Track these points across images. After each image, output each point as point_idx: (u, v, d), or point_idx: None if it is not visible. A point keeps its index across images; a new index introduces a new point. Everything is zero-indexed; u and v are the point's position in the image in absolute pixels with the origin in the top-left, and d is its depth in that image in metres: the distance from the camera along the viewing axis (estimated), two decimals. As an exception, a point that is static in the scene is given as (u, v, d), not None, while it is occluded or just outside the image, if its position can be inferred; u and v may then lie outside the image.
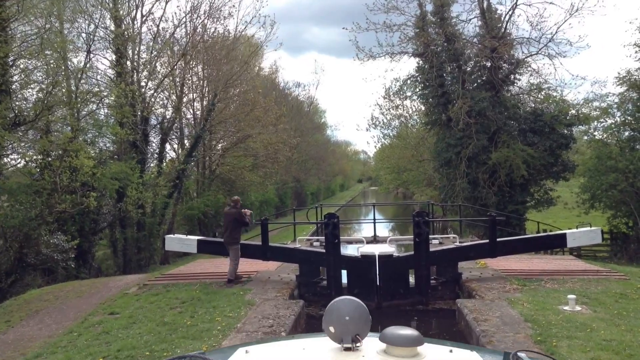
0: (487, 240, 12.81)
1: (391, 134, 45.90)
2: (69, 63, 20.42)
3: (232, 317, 9.87)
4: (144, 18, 29.14)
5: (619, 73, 27.17)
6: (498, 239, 12.88)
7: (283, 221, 36.13)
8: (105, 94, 22.21)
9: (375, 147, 49.86)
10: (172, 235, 14.59)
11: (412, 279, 12.65)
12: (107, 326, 10.02)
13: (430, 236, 12.97)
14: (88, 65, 23.18)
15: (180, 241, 14.22)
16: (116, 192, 25.70)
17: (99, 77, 25.60)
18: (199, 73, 35.32)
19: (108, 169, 22.44)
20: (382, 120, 42.59)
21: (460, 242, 13.55)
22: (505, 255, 13.23)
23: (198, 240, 14.18)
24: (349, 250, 15.33)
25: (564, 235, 13.13)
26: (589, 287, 11.52)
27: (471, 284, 12.12)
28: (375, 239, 17.22)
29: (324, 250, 12.91)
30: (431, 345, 2.33)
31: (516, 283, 11.95)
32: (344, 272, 12.70)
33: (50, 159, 19.31)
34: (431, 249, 12.68)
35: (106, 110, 26.11)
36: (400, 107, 40.34)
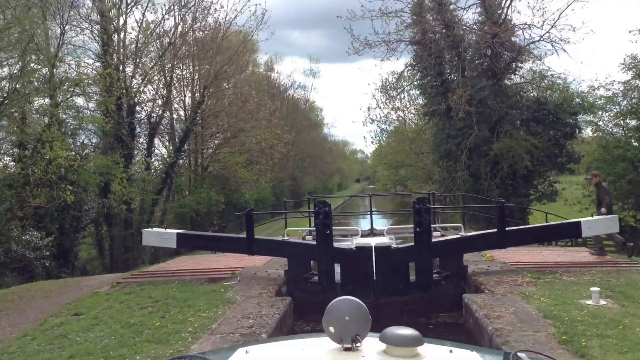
0: (495, 230, 11.55)
1: (388, 129, 44.62)
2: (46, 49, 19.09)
3: (207, 317, 8.63)
4: (130, 8, 27.93)
5: (624, 59, 25.98)
6: (507, 229, 11.64)
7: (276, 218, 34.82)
8: (87, 81, 20.91)
9: (372, 142, 48.32)
10: (149, 229, 13.32)
11: (412, 273, 11.40)
12: (67, 329, 8.79)
13: (432, 225, 11.71)
14: (66, 52, 21.98)
15: (158, 235, 12.95)
16: (100, 188, 24.46)
17: (81, 67, 24.33)
18: (189, 66, 34.10)
19: (88, 163, 21.15)
20: (379, 114, 41.26)
21: (464, 233, 12.29)
22: (515, 245, 12.03)
23: (178, 234, 12.92)
24: (343, 242, 14.08)
25: (579, 223, 11.91)
26: (611, 280, 10.30)
27: (478, 278, 10.89)
28: (372, 232, 15.98)
29: (314, 243, 11.68)
30: (431, 346, 2.28)
31: (529, 276, 10.73)
32: (337, 267, 11.45)
33: (27, 151, 18.12)
34: (433, 240, 11.46)
35: (90, 105, 24.94)
36: (397, 99, 38.98)
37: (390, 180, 48.98)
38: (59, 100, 18.22)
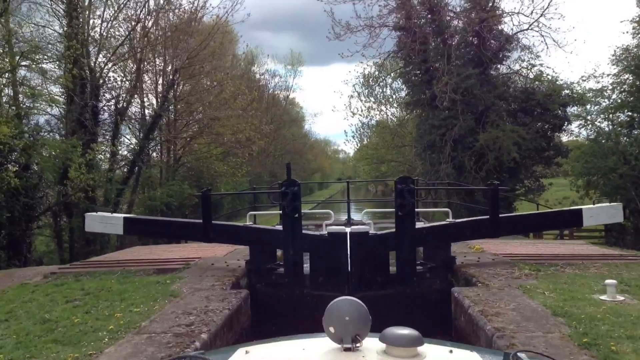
0: (488, 217, 10.06)
1: (369, 123, 43.07)
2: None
3: (139, 312, 6.99)
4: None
5: (614, 51, 24.91)
6: (500, 215, 10.19)
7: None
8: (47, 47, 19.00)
9: (353, 136, 46.69)
10: (93, 213, 11.58)
11: (393, 264, 9.86)
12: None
13: (416, 210, 10.18)
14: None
15: (102, 220, 11.23)
16: (59, 174, 22.50)
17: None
18: (162, 52, 32.19)
19: (39, 145, 19.25)
20: (360, 107, 39.66)
21: (452, 220, 10.77)
22: (510, 234, 10.65)
23: (125, 218, 11.26)
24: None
25: (580, 211, 10.52)
26: (621, 273, 8.91)
27: (468, 270, 9.41)
28: (349, 222, 14.40)
29: (280, 228, 10.10)
30: (431, 346, 2.26)
31: (526, 268, 9.28)
32: (306, 256, 9.88)
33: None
34: (417, 226, 9.94)
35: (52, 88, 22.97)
36: (379, 91, 37.54)
37: (371, 176, 47.43)
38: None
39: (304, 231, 9.90)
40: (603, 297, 7.03)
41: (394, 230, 9.81)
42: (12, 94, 19.97)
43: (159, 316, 6.74)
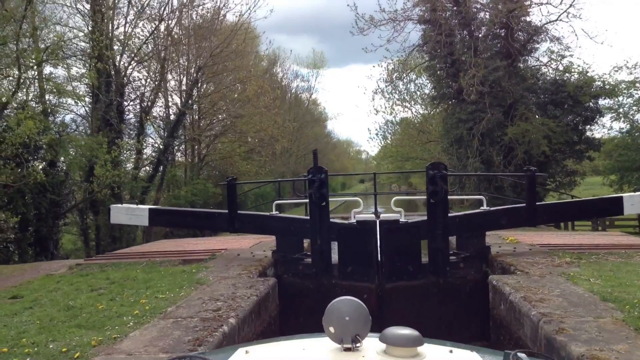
0: (524, 204, 9.62)
1: (394, 120, 42.50)
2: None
3: (164, 298, 6.77)
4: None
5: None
6: (537, 203, 9.74)
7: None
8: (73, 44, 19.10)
9: (377, 134, 46.16)
10: (118, 205, 11.48)
11: (424, 254, 9.49)
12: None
13: (449, 197, 9.76)
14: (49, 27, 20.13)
15: (128, 211, 11.10)
16: (85, 172, 22.66)
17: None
18: (185, 50, 32.29)
19: (66, 142, 19.34)
20: (384, 104, 39.20)
21: (486, 208, 10.33)
22: (548, 222, 10.23)
23: (150, 209, 11.10)
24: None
25: (620, 199, 10.00)
26: (669, 261, 8.39)
27: (505, 259, 8.98)
28: (376, 215, 14.03)
29: (307, 217, 9.81)
30: (431, 346, 2.25)
31: (567, 257, 8.82)
32: (334, 245, 9.56)
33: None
34: (450, 215, 9.55)
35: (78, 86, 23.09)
36: (403, 87, 37.01)
37: (394, 176, 46.81)
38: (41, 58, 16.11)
39: (331, 220, 9.60)
40: (654, 284, 6.58)
41: (425, 218, 9.43)
42: (38, 91, 20.09)
43: (185, 302, 6.51)
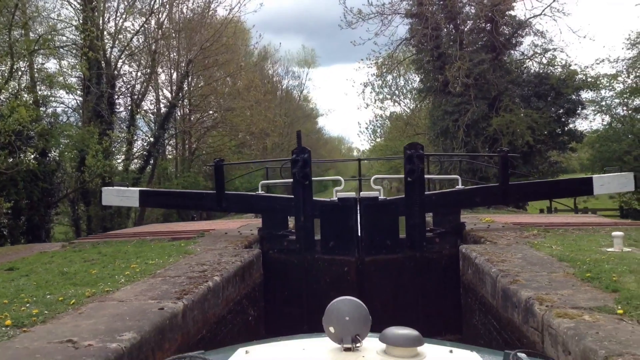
0: (497, 184, 10.13)
1: (384, 114, 43.07)
2: None
3: (154, 264, 7.22)
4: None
5: (629, 35, 24.78)
6: (511, 183, 10.25)
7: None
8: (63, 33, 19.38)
9: (367, 128, 46.81)
10: (110, 187, 11.87)
11: (402, 230, 9.99)
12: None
13: (425, 176, 10.26)
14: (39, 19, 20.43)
15: (119, 193, 11.48)
16: (77, 162, 22.99)
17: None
18: (175, 44, 32.60)
19: (58, 131, 19.66)
20: (374, 97, 39.70)
21: (462, 187, 10.84)
22: (520, 201, 10.70)
23: (140, 191, 11.50)
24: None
25: (590, 180, 10.52)
26: (631, 234, 8.91)
27: (478, 233, 9.50)
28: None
29: (292, 197, 10.26)
30: (431, 346, 2.27)
31: (535, 230, 9.34)
32: (316, 222, 10.03)
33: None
34: (426, 193, 10.04)
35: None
36: (391, 81, 37.54)
37: (385, 170, 47.42)
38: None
39: (314, 198, 10.06)
40: (610, 249, 7.10)
41: (403, 196, 9.92)
42: (29, 81, 20.37)
43: (174, 266, 6.96)
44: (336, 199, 9.97)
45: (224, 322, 6.33)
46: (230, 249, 8.49)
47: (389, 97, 40.27)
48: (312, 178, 10.11)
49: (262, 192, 11.22)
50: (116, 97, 27.04)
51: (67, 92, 21.70)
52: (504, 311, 5.62)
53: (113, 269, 7.07)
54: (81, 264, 8.02)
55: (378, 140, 48.33)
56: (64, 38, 22.24)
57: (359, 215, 9.71)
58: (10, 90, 15.69)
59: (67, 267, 7.76)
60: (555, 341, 4.09)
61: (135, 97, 29.46)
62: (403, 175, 10.01)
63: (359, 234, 9.68)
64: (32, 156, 17.21)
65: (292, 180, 10.26)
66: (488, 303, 6.35)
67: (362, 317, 2.17)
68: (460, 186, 10.53)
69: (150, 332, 4.22)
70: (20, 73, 18.01)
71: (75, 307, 4.94)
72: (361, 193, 10.27)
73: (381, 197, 10.04)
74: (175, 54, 32.50)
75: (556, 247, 7.41)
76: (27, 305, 5.13)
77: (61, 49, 20.83)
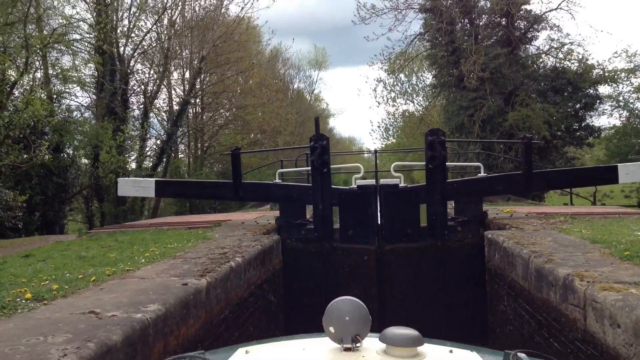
0: (520, 172, 9.89)
1: (396, 113, 42.80)
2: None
3: (173, 248, 7.09)
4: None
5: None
6: (534, 170, 10.01)
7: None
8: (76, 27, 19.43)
9: (379, 126, 46.57)
10: (126, 178, 11.79)
11: (423, 218, 9.77)
12: (8, 265, 7.25)
13: (447, 164, 10.03)
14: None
15: (135, 184, 11.41)
16: (91, 158, 23.03)
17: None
18: (187, 42, 32.62)
19: (73, 126, 19.67)
20: (386, 96, 39.44)
21: (484, 174, 10.60)
22: (543, 190, 10.48)
23: (156, 181, 11.40)
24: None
25: (615, 168, 10.24)
26: (661, 221, 8.64)
27: (502, 221, 9.26)
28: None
29: (310, 185, 10.09)
30: (431, 346, 2.27)
31: (562, 217, 9.09)
32: (335, 210, 9.85)
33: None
34: (448, 180, 9.83)
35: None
36: (404, 77, 37.27)
37: (398, 167, 47.15)
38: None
39: (333, 186, 9.88)
40: (642, 233, 6.85)
41: (424, 183, 9.72)
42: (43, 77, 20.43)
43: (193, 249, 6.82)
44: (355, 186, 9.79)
45: (245, 305, 6.17)
46: (249, 235, 8.33)
47: (401, 95, 40.03)
48: (331, 166, 9.94)
49: (279, 180, 11.06)
50: (129, 94, 27.07)
51: (80, 88, 21.65)
52: (537, 292, 5.40)
53: (132, 253, 6.94)
54: (98, 249, 7.90)
55: (391, 139, 47.98)
56: (77, 36, 22.31)
57: (378, 203, 9.52)
58: (25, 84, 15.64)
59: (85, 252, 7.65)
60: (601, 315, 3.88)
61: (149, 94, 29.48)
62: (424, 163, 9.79)
63: (379, 222, 9.49)
64: (47, 151, 17.16)
65: (309, 168, 10.09)
66: (518, 286, 6.13)
67: (362, 317, 2.17)
68: (482, 173, 10.30)
69: (175, 306, 4.07)
70: (34, 68, 18.02)
71: (96, 284, 4.81)
72: (381, 180, 10.09)
73: (402, 184, 9.84)
74: (187, 51, 32.52)
75: (586, 232, 7.17)
76: (47, 282, 5.00)
77: (75, 44, 20.85)
